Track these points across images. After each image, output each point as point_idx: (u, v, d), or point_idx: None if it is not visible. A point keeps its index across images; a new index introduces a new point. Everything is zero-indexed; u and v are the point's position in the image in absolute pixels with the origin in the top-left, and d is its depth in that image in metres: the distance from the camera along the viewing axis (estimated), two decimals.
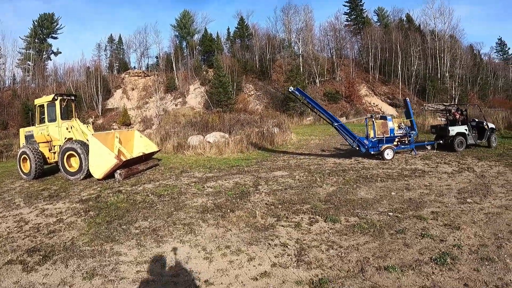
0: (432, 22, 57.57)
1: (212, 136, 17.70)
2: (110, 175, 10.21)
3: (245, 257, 4.63)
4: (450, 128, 13.47)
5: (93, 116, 45.64)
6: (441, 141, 13.78)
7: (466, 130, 13.57)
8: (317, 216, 6.12)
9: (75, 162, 10.94)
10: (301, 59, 51.78)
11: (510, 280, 3.77)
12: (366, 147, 12.01)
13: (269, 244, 5.00)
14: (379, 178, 9.09)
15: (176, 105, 49.56)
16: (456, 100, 44.52)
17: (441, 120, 24.40)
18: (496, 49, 68.96)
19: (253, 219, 6.06)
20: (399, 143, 12.75)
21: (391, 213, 6.12)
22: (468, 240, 4.85)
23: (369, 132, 12.58)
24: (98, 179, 10.20)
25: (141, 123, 44.43)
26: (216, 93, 44.01)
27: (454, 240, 4.88)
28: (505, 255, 4.33)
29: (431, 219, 5.78)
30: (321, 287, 3.79)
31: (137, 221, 6.27)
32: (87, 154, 10.40)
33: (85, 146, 10.64)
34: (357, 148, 12.15)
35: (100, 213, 6.81)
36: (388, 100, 54.39)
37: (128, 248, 5.10)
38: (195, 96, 50.86)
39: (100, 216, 6.62)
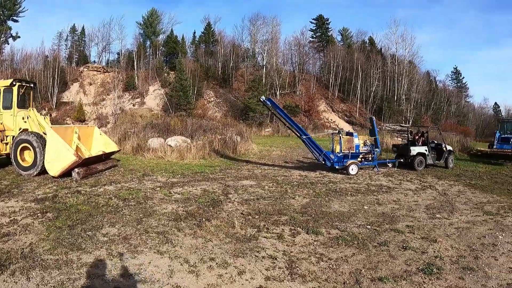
0: (394, 47, 61.18)
1: (174, 140, 17.05)
2: (66, 174, 9.34)
3: (234, 270, 4.36)
4: (411, 148, 14.10)
5: (46, 108, 42.26)
6: (401, 160, 14.36)
7: (426, 150, 14.28)
8: (298, 228, 6.06)
9: (29, 156, 9.88)
10: (264, 70, 52.38)
11: (492, 286, 4.21)
12: (332, 161, 12.17)
13: (256, 256, 4.80)
14: (349, 192, 9.31)
15: (133, 105, 47.61)
16: (410, 122, 47.47)
17: (400, 140, 25.90)
18: (451, 77, 74.78)
19: (232, 229, 5.81)
20: (363, 159, 13.09)
21: (369, 226, 6.31)
22: (446, 251, 5.21)
23: (334, 147, 12.80)
24: (54, 177, 9.28)
25: (96, 120, 42.02)
26: (176, 96, 43.01)
27: (434, 252, 5.19)
28: (483, 265, 4.79)
29: (408, 232, 6.08)
30: None
31: (103, 227, 5.66)
32: (43, 148, 9.45)
33: (41, 139, 9.66)
34: (323, 162, 12.28)
35: (60, 216, 6.09)
36: (346, 118, 56.67)
37: (98, 258, 4.51)
38: (154, 97, 49.27)
39: (60, 219, 5.90)
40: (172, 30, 59.56)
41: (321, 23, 64.70)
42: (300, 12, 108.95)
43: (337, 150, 12.60)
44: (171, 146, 16.22)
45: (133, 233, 5.43)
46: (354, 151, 12.69)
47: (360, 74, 55.87)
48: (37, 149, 9.51)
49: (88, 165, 10.07)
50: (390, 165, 14.46)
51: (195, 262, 4.52)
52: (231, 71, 55.22)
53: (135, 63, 53.03)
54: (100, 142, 12.05)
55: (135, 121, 32.53)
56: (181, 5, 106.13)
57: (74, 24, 61.26)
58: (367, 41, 67.17)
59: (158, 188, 8.66)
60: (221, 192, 8.69)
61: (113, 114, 43.13)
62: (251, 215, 6.74)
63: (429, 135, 15.48)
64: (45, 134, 9.99)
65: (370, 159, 13.29)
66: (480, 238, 5.90)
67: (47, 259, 4.41)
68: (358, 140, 13.01)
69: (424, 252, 5.17)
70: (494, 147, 18.91)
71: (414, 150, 14.07)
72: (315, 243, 5.40)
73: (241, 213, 6.83)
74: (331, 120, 55.19)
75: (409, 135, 15.64)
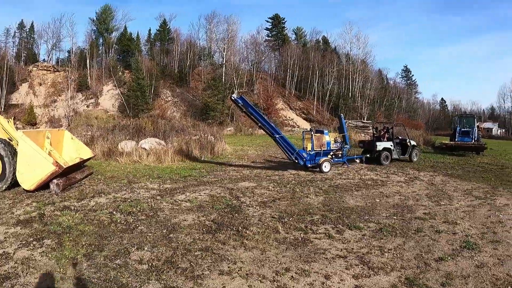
0: (348, 46, 63.34)
1: (148, 143, 15.88)
2: (43, 186, 8.02)
3: (319, 276, 4.11)
4: (377, 143, 14.44)
5: None
6: (368, 155, 14.65)
7: (391, 146, 14.72)
8: (339, 225, 6.05)
9: None
10: (224, 69, 51.52)
11: None
12: (304, 159, 11.91)
13: (326, 258, 4.66)
14: (352, 188, 9.48)
15: (87, 106, 44.26)
16: (365, 118, 49.40)
17: (363, 135, 26.68)
18: (401, 75, 79.42)
19: (278, 235, 5.47)
20: (333, 156, 13.05)
21: (394, 217, 6.60)
22: (469, 231, 5.84)
23: (306, 145, 12.60)
24: (28, 191, 7.88)
25: (48, 124, 38.28)
26: (134, 96, 40.68)
27: (461, 232, 5.79)
28: (503, 237, 5.55)
29: (430, 218, 6.52)
30: (414, 284, 3.96)
31: (129, 251, 4.67)
32: (13, 157, 8.01)
33: (9, 146, 8.19)
34: (296, 161, 11.96)
35: (63, 242, 4.89)
36: (303, 115, 57.73)
37: None
38: (109, 98, 46.26)
39: (67, 247, 4.70)
40: (125, 27, 56.68)
41: (277, 22, 65.25)
42: (255, 11, 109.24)
43: (309, 148, 12.39)
44: (145, 149, 15.07)
45: (173, 254, 4.58)
46: (325, 149, 12.56)
47: (316, 73, 57.13)
48: (6, 159, 8.04)
49: (66, 174, 8.79)
50: (358, 160, 14.64)
51: (274, 276, 4.08)
52: (188, 70, 53.61)
53: (88, 61, 49.34)
54: (72, 148, 10.67)
55: (90, 123, 30.13)
56: (134, 1, 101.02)
57: (22, 20, 56.01)
58: (321, 40, 69.01)
59: (159, 197, 7.75)
60: (229, 196, 8.09)
61: (66, 116, 39.59)
62: (282, 218, 6.42)
63: (394, 131, 15.92)
64: (11, 140, 8.55)
65: (340, 155, 13.31)
66: (487, 218, 6.64)
67: None
68: (328, 137, 12.93)
69: (455, 233, 5.72)
70: (456, 140, 20.25)
71: (380, 145, 14.40)
72: (364, 237, 5.49)
73: (272, 217, 6.45)
74: (290, 117, 55.95)
75: (375, 131, 16.07)
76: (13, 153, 8.12)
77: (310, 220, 6.32)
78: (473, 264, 4.52)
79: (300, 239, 5.33)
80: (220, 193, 8.34)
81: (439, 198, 8.29)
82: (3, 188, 8.02)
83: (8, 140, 8.52)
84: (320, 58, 59.09)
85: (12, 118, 10.34)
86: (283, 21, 66.23)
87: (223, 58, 53.63)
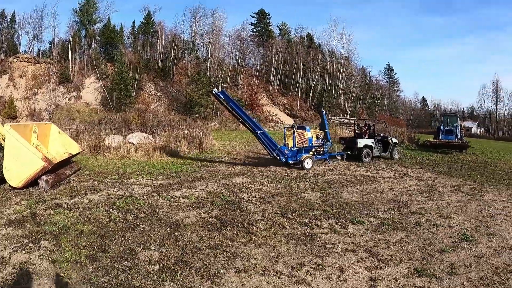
0: (333, 44, 63.54)
1: (135, 137, 15.53)
2: (30, 183, 7.68)
3: (334, 270, 4.21)
4: (358, 140, 14.37)
5: None
6: (349, 152, 14.57)
7: (372, 143, 14.69)
8: (342, 220, 6.18)
9: None
10: (208, 63, 50.92)
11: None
12: (286, 156, 11.71)
13: (337, 252, 4.77)
14: (346, 183, 9.64)
15: (69, 99, 42.83)
16: (348, 115, 50.02)
17: (348, 132, 26.94)
18: (384, 73, 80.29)
19: (284, 230, 5.52)
20: (315, 153, 12.93)
21: (392, 212, 6.81)
22: (464, 224, 6.14)
23: (287, 142, 12.47)
24: (15, 188, 7.53)
25: (28, 117, 36.74)
26: (117, 90, 39.67)
27: (457, 225, 6.07)
28: (496, 230, 5.86)
29: (425, 213, 6.78)
30: (423, 274, 4.16)
31: (135, 251, 4.49)
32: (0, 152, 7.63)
33: None
34: (277, 158, 11.71)
35: (62, 244, 4.61)
36: (287, 111, 57.86)
37: None
38: (92, 91, 44.93)
39: (67, 249, 4.42)
40: (109, 19, 54.94)
41: (262, 17, 64.88)
42: (240, 5, 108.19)
43: (291, 144, 12.24)
44: (133, 143, 14.74)
45: (183, 253, 4.45)
46: (307, 145, 12.41)
47: (300, 69, 57.27)
48: None
49: (55, 170, 8.46)
50: (339, 157, 14.51)
51: (290, 272, 4.10)
52: (172, 64, 52.72)
53: (70, 53, 47.64)
54: (58, 143, 10.26)
55: (72, 117, 29.19)
56: None
57: (3, 10, 53.29)
58: (305, 37, 69.13)
59: (155, 194, 7.57)
60: (227, 192, 8.02)
61: (47, 109, 38.12)
62: (285, 213, 6.46)
63: (376, 128, 15.92)
64: None
65: (322, 152, 13.22)
66: (478, 212, 6.97)
67: None
68: (310, 134, 12.77)
69: (451, 226, 6.00)
70: (440, 138, 20.79)
71: (361, 142, 14.31)
72: (368, 231, 5.65)
73: (275, 213, 6.47)
74: (273, 113, 55.94)
75: (356, 128, 16.13)
76: (0, 148, 7.74)
77: (312, 216, 6.38)
78: (472, 254, 4.80)
79: (307, 234, 5.40)
80: (216, 189, 8.24)
81: (430, 193, 8.56)
82: None
83: None
84: (305, 55, 59.23)
85: None
86: (268, 17, 65.98)
87: (207, 53, 52.96)
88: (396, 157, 15.45)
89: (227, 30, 70.83)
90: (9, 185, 7.60)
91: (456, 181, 10.58)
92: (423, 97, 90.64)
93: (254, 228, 5.51)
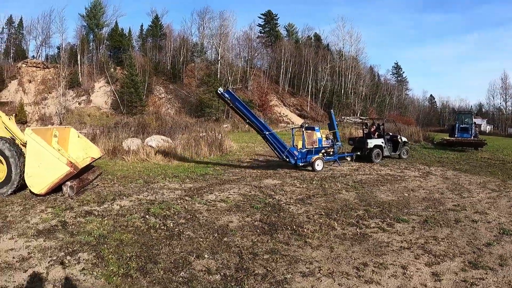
0: (341, 43, 62.77)
1: (154, 140, 15.19)
2: (53, 189, 7.23)
3: (397, 268, 4.21)
4: (368, 141, 13.71)
5: None
6: (358, 153, 13.90)
7: (382, 143, 14.07)
8: (387, 219, 6.14)
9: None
10: (219, 65, 50.60)
11: None
12: (296, 158, 11.16)
13: (393, 250, 4.78)
14: (378, 183, 9.43)
15: (79, 103, 42.80)
16: (358, 114, 49.27)
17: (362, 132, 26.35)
18: (392, 72, 79.24)
19: (335, 231, 5.45)
20: (325, 154, 12.29)
21: (430, 209, 6.80)
22: (500, 219, 6.22)
23: (296, 143, 11.85)
24: (37, 195, 7.10)
25: (39, 122, 36.76)
26: (127, 93, 39.48)
27: (494, 220, 6.16)
28: None
29: (462, 210, 6.80)
30: (478, 266, 4.26)
31: (189, 261, 4.09)
32: (19, 158, 7.20)
33: (15, 146, 7.37)
34: (287, 160, 11.11)
35: (103, 255, 4.18)
36: (297, 111, 57.29)
37: None
38: (101, 95, 44.85)
39: (110, 261, 4.00)
40: (116, 23, 54.97)
41: (269, 18, 64.43)
42: (247, 7, 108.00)
43: (300, 145, 11.62)
44: (152, 146, 14.36)
45: (241, 260, 4.12)
46: (317, 146, 11.82)
47: (310, 69, 56.68)
48: (11, 160, 7.22)
49: (79, 176, 8.04)
50: (348, 158, 13.91)
51: (356, 272, 4.07)
52: (181, 66, 52.53)
53: (79, 57, 47.70)
54: (78, 147, 9.96)
55: (83, 121, 28.97)
56: None
57: (11, 15, 53.86)
58: (313, 37, 68.46)
59: (188, 198, 7.17)
60: (262, 194, 7.73)
61: (57, 114, 38.03)
62: (330, 214, 6.35)
63: (385, 127, 15.37)
64: (14, 139, 7.72)
65: (331, 153, 12.61)
66: (509, 207, 7.03)
67: None
68: (320, 134, 12.16)
69: (489, 222, 6.07)
70: (456, 136, 20.42)
71: (371, 142, 13.69)
72: (415, 229, 5.65)
73: (319, 214, 6.33)
74: (284, 114, 55.44)
75: (365, 127, 15.51)
76: (19, 153, 7.33)
77: (356, 215, 6.32)
78: None
79: (358, 234, 5.36)
80: (250, 192, 7.94)
81: (459, 191, 8.53)
82: (9, 193, 7.21)
83: (11, 139, 7.70)
84: (313, 55, 58.63)
85: (13, 115, 9.36)
86: (276, 18, 65.45)
87: (217, 54, 52.64)
88: (405, 156, 14.87)
89: (235, 32, 70.48)
90: (30, 191, 7.20)
91: (479, 178, 10.50)
92: (431, 95, 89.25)
93: (305, 230, 5.36)
